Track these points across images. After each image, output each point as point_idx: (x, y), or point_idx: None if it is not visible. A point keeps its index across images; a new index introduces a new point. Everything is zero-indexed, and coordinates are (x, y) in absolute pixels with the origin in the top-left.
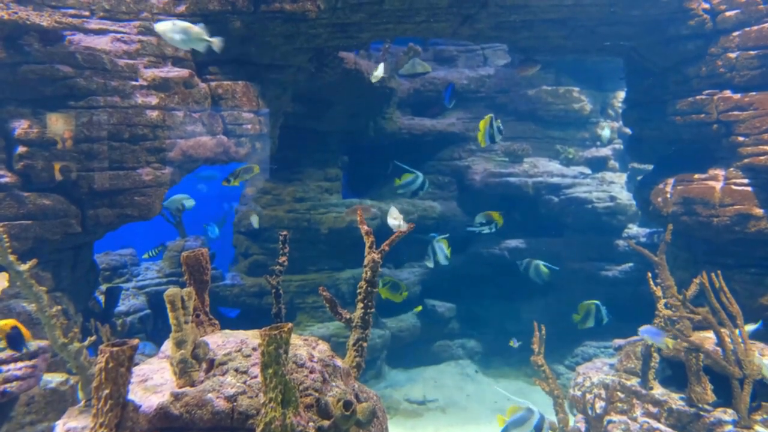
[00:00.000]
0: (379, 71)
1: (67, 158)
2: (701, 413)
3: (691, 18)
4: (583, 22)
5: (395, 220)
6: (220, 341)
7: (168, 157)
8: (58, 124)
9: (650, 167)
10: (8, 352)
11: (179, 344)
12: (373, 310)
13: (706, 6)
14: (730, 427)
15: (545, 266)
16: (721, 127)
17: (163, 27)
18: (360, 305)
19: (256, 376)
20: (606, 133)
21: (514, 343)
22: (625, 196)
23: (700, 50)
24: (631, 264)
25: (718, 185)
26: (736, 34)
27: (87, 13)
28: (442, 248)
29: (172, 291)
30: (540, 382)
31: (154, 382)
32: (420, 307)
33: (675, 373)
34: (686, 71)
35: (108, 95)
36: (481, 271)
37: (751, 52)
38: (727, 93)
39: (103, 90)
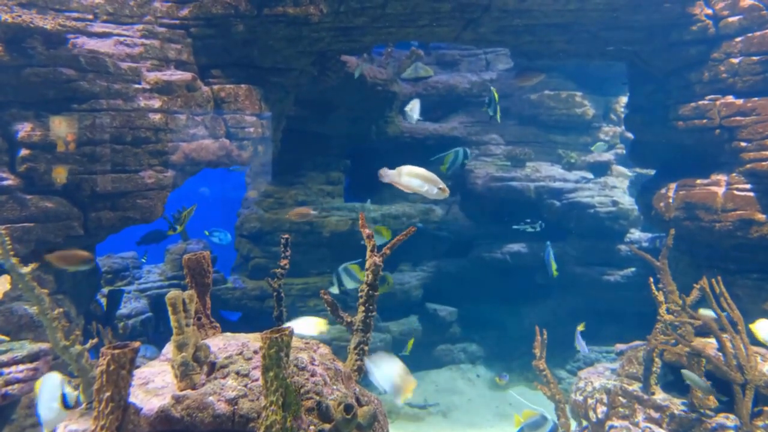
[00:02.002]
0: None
1: (69, 161)
2: (703, 418)
3: (693, 23)
4: (586, 27)
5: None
6: (222, 344)
7: (170, 160)
8: (61, 127)
9: (652, 172)
10: (9, 355)
11: (180, 347)
12: (374, 313)
13: (709, 11)
14: None
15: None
16: (724, 133)
17: None
18: (361, 308)
19: (257, 379)
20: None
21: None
22: (627, 201)
23: (702, 55)
24: (633, 269)
25: (720, 190)
26: (738, 39)
27: (90, 17)
28: (351, 274)
29: (173, 294)
30: (542, 386)
31: (155, 384)
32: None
33: (677, 378)
34: (689, 76)
35: (111, 98)
36: (483, 275)
37: (754, 58)
38: (730, 98)
39: (106, 93)
